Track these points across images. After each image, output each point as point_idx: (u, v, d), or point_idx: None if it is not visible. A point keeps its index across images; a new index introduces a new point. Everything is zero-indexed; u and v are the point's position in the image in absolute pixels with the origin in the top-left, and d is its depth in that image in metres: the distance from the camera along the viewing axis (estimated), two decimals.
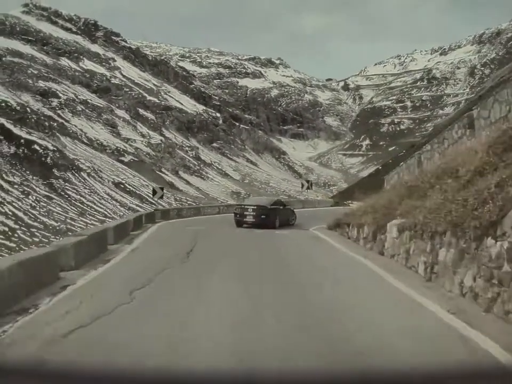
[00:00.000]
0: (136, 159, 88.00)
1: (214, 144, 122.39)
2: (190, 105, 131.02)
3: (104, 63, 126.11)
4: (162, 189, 26.09)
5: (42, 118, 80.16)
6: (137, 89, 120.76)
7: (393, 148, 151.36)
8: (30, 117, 76.32)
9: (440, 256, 6.71)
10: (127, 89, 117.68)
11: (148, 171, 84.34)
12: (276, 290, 7.06)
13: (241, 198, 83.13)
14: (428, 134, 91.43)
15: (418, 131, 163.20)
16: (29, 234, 48.74)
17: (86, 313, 5.47)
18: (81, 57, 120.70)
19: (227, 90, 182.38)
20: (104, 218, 53.26)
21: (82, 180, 68.55)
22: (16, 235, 48.10)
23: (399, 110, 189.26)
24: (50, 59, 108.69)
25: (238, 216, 19.35)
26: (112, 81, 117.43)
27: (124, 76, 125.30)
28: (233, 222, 19.61)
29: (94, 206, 63.17)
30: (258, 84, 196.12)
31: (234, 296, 6.66)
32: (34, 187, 60.66)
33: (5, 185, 56.99)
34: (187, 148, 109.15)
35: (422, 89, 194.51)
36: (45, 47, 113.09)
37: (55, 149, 70.32)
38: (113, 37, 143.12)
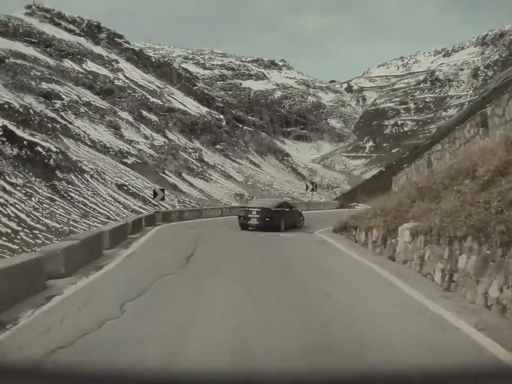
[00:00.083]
0: (139, 161, 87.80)
1: (217, 146, 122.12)
2: (193, 107, 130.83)
3: (107, 65, 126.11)
4: (163, 190, 25.66)
5: (45, 119, 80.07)
6: (141, 91, 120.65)
7: (397, 149, 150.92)
8: (33, 118, 76.23)
9: (460, 263, 6.17)
10: (130, 91, 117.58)
11: (151, 173, 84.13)
12: (279, 295, 6.65)
13: (245, 200, 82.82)
14: (431, 136, 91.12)
15: (422, 133, 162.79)
16: (31, 236, 48.52)
17: (69, 330, 4.93)
18: (84, 58, 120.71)
19: (230, 92, 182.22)
20: (107, 220, 52.89)
21: (85, 182, 68.35)
22: (18, 237, 47.87)
23: (403, 111, 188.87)
24: (53, 61, 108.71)
25: (242, 218, 18.90)
26: (115, 83, 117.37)
27: (127, 78, 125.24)
28: (236, 225, 19.16)
29: (97, 208, 62.95)
30: (261, 86, 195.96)
31: (236, 301, 6.29)
32: (37, 189, 60.47)
33: (8, 187, 56.81)
34: (190, 150, 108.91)
35: (425, 91, 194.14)
36: (48, 49, 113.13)
37: (58, 150, 70.16)
38: (116, 39, 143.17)
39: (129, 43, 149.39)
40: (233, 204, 75.51)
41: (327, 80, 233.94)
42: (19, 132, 67.51)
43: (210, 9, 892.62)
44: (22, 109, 75.90)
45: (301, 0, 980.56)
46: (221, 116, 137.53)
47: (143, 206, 65.71)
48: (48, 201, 58.52)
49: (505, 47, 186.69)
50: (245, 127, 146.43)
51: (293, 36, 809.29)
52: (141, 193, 71.24)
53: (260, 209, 18.62)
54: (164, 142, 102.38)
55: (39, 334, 4.91)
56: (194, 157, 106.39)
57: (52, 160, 66.80)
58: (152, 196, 31.58)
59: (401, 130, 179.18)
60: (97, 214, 60.63)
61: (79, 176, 68.45)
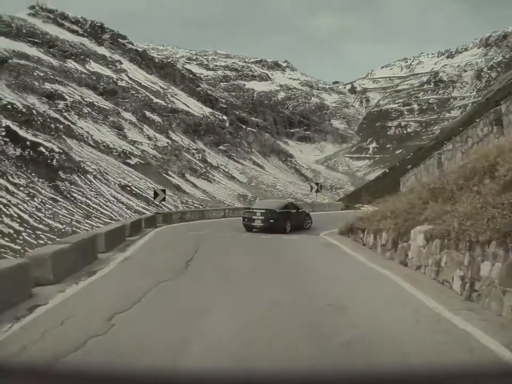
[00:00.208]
0: (142, 161, 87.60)
1: (221, 147, 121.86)
2: (196, 108, 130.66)
3: (110, 66, 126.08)
4: (164, 191, 25.20)
5: (48, 120, 79.96)
6: (144, 91, 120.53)
7: (400, 151, 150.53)
8: (36, 119, 76.13)
9: (483, 271, 5.65)
10: (134, 92, 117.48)
11: (154, 174, 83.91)
12: (283, 310, 6.02)
13: (248, 201, 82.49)
14: (435, 137, 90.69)
15: (425, 134, 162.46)
16: (34, 236, 48.34)
17: (47, 350, 4.40)
18: (88, 59, 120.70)
19: (234, 93, 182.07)
20: (110, 221, 52.60)
21: (88, 182, 68.14)
22: (21, 237, 47.70)
23: (406, 113, 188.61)
24: (56, 61, 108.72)
25: (246, 220, 18.49)
26: (119, 84, 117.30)
27: (130, 78, 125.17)
28: (238, 227, 18.75)
29: (100, 209, 62.74)
30: (265, 87, 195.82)
31: (238, 313, 5.77)
32: (40, 189, 60.31)
33: (11, 187, 56.67)
34: (193, 151, 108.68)
35: (429, 92, 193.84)
36: (51, 49, 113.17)
37: (61, 151, 70.00)
38: (119, 39, 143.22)
39: (132, 44, 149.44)
40: (236, 204, 75.17)
41: (330, 81, 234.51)
42: (22, 132, 67.38)
43: (216, 12, 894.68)
44: (25, 109, 75.80)
45: (305, 1, 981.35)
46: (224, 117, 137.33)
47: (146, 207, 65.38)
48: (51, 202, 58.35)
49: (509, 49, 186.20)
50: (248, 128, 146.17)
51: (297, 37, 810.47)
52: (144, 194, 70.93)
53: (264, 211, 18.20)
54: (167, 143, 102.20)
55: (11, 354, 4.32)
56: (197, 158, 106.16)
57: (54, 160, 66.64)
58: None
59: (405, 132, 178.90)
60: (100, 215, 60.40)
61: (82, 177, 68.27)
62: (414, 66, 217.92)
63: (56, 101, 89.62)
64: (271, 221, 17.85)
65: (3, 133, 64.77)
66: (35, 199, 57.06)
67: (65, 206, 59.10)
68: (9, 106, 73.45)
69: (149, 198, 69.09)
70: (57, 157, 67.39)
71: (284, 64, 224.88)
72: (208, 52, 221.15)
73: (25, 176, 60.79)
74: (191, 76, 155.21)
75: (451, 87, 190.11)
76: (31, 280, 6.61)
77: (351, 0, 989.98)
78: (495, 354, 4.21)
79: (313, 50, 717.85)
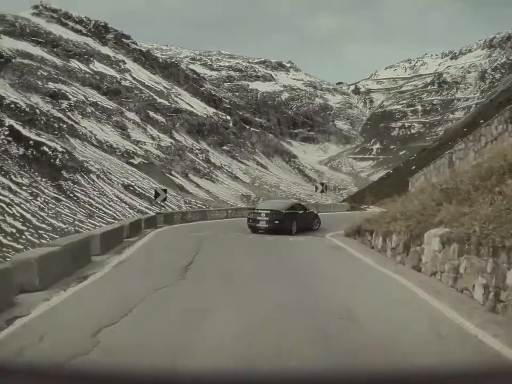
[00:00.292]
0: (146, 161, 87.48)
1: (224, 147, 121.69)
2: (200, 108, 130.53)
3: (114, 65, 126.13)
4: (165, 190, 24.74)
5: (51, 119, 79.94)
6: (148, 91, 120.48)
7: (404, 152, 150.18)
8: (39, 118, 76.09)
9: (510, 279, 5.16)
10: (137, 92, 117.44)
11: (157, 173, 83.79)
12: (288, 320, 5.49)
13: (252, 202, 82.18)
14: (439, 138, 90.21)
15: (429, 135, 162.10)
16: (36, 236, 48.24)
17: None
18: (91, 59, 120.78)
19: (237, 93, 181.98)
20: (113, 221, 52.45)
21: (91, 182, 68.02)
22: (23, 237, 47.63)
23: (410, 114, 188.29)
24: (60, 61, 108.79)
25: (251, 221, 18.08)
26: (122, 84, 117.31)
27: (134, 78, 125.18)
28: (241, 227, 18.37)
29: (103, 208, 62.61)
30: (268, 87, 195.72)
31: (239, 327, 5.18)
32: (43, 189, 60.22)
33: (13, 187, 56.60)
34: (197, 151, 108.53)
35: (433, 93, 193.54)
36: (55, 49, 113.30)
37: (64, 150, 69.92)
38: (123, 39, 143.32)
39: (136, 44, 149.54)
40: (239, 205, 74.83)
41: (334, 82, 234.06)
42: (25, 132, 67.32)
43: (220, 12, 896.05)
44: (28, 109, 75.74)
45: (309, 2, 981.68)
46: (228, 117, 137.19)
47: (149, 207, 65.10)
48: (53, 201, 58.25)
49: None
50: (252, 128, 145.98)
51: (301, 38, 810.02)
52: (147, 194, 70.68)
53: (269, 212, 17.78)
54: (171, 143, 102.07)
55: None
56: (201, 158, 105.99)
57: (58, 160, 66.56)
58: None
59: (409, 133, 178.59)
60: (103, 214, 60.27)
61: (85, 176, 68.17)
62: (418, 68, 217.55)
63: (59, 101, 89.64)
64: (276, 222, 17.44)
65: (6, 132, 64.73)
66: (38, 198, 56.99)
67: (68, 205, 59.01)
68: (12, 105, 73.42)
69: (152, 198, 68.80)
70: (61, 157, 67.32)
71: (288, 65, 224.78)
72: (212, 52, 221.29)
73: (28, 176, 60.72)
74: (194, 76, 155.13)
75: (455, 88, 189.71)
76: (14, 287, 6.09)
77: (351, 0, 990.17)
78: None
79: (317, 51, 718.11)
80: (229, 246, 14.05)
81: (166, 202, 39.61)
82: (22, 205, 54.25)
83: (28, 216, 52.63)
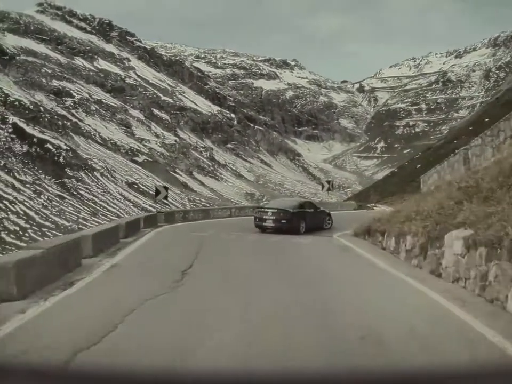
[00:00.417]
0: (150, 159, 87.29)
1: (229, 145, 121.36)
2: (204, 106, 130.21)
3: (118, 63, 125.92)
4: (166, 188, 24.29)
5: (55, 117, 79.79)
6: (152, 89, 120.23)
7: (408, 150, 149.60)
8: (43, 116, 75.92)
9: None
10: (142, 89, 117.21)
11: (161, 171, 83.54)
12: (293, 335, 4.87)
13: (256, 200, 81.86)
14: (443, 137, 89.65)
15: (433, 134, 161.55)
16: (40, 234, 48.02)
17: None
18: (96, 56, 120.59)
19: (242, 91, 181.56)
20: (117, 219, 52.18)
21: (95, 180, 67.82)
22: (27, 234, 47.41)
23: (414, 112, 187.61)
24: (64, 58, 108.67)
25: (257, 220, 17.62)
26: (127, 81, 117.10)
27: (138, 76, 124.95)
28: (245, 227, 17.98)
29: (107, 206, 62.40)
30: (273, 85, 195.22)
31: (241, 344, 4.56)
32: (47, 186, 60.03)
33: (17, 184, 56.43)
34: (201, 149, 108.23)
35: (437, 92, 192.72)
36: (59, 46, 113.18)
37: (68, 148, 69.73)
38: (128, 37, 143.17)
39: (140, 41, 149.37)
40: (243, 203, 74.52)
41: (338, 80, 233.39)
42: (29, 129, 67.15)
43: (225, 10, 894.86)
44: (32, 106, 75.58)
45: (309, 2, 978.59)
46: (232, 115, 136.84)
47: (153, 205, 64.86)
48: (57, 199, 58.06)
49: None
50: (256, 127, 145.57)
51: (306, 36, 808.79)
52: (151, 192, 70.36)
53: (276, 211, 17.30)
54: (175, 141, 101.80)
55: None
56: (205, 156, 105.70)
57: (61, 157, 66.39)
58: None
59: (413, 131, 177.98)
60: (107, 212, 60.06)
61: (89, 174, 67.97)
62: (423, 66, 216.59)
63: (63, 98, 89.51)
64: (283, 221, 16.96)
65: (10, 130, 64.58)
66: (41, 196, 56.81)
67: (72, 203, 58.80)
68: (16, 103, 73.27)
69: None
70: (64, 154, 67.14)
71: (293, 63, 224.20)
72: (217, 50, 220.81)
73: (31, 173, 60.56)
74: (199, 74, 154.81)
75: (459, 87, 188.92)
76: None
77: (351, 0, 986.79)
78: None
79: (321, 50, 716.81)
80: (230, 248, 13.32)
81: (169, 200, 39.26)
82: (25, 203, 54.06)
83: (31, 213, 52.44)
